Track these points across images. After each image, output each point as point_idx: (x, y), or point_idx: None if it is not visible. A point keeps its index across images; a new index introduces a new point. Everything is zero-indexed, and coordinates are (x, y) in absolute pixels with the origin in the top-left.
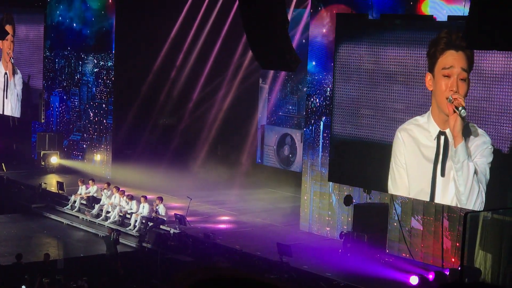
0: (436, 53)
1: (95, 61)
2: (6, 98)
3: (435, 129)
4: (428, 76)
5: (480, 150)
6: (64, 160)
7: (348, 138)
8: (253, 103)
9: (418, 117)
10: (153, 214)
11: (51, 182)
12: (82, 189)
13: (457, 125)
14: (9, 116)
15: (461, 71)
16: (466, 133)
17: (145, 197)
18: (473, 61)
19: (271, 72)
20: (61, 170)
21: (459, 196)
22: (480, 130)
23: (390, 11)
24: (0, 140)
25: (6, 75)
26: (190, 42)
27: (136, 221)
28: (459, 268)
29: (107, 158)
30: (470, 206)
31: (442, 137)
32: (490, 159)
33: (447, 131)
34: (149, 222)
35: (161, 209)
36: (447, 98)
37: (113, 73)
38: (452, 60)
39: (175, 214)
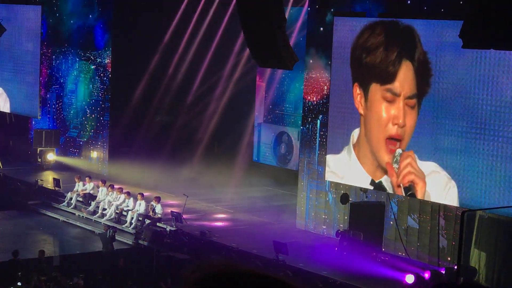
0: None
1: (92, 58)
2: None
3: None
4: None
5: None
6: (61, 157)
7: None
8: (250, 101)
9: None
10: (150, 213)
11: (48, 179)
12: (79, 186)
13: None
14: (5, 112)
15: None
16: None
17: (142, 195)
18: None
19: (268, 70)
20: (58, 167)
21: None
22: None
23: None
24: None
25: None
26: (188, 40)
27: (132, 218)
28: (456, 267)
29: (103, 155)
30: None
31: None
32: None
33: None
34: (145, 220)
35: (158, 209)
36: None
37: (110, 70)
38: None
39: (171, 211)
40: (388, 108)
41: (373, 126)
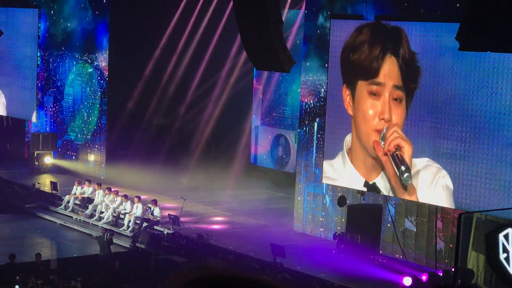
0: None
1: (89, 61)
2: None
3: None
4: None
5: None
6: (58, 160)
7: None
8: (247, 104)
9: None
10: (149, 216)
11: (45, 182)
12: (76, 189)
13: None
14: (2, 116)
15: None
16: None
17: (139, 198)
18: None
19: (265, 73)
20: (55, 170)
21: None
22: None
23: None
24: None
25: None
26: (185, 42)
27: (129, 221)
28: (453, 269)
29: (101, 158)
30: None
31: None
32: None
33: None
34: (143, 223)
35: (157, 212)
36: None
37: (107, 73)
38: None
39: (168, 214)
40: (374, 104)
41: (361, 122)
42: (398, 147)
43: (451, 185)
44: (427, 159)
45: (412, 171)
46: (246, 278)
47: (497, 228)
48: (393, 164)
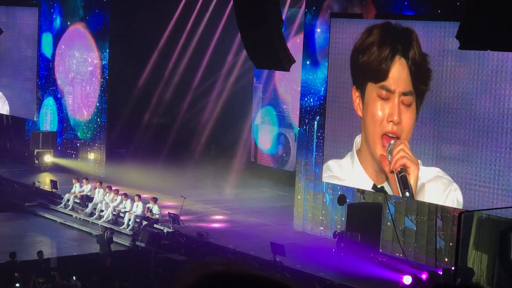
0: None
1: (89, 60)
2: None
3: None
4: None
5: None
6: (58, 158)
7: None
8: (247, 103)
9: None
10: (148, 214)
11: (45, 180)
12: (76, 187)
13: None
14: (2, 114)
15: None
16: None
17: (139, 196)
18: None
19: (265, 72)
20: (55, 168)
21: None
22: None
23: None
24: None
25: None
26: (185, 41)
27: (129, 220)
28: (453, 268)
29: (100, 157)
30: None
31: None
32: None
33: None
34: (142, 221)
35: (155, 209)
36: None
37: (107, 72)
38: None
39: (168, 213)
40: (383, 106)
41: (369, 124)
42: (404, 168)
43: (461, 199)
44: (437, 169)
45: (422, 181)
46: (253, 275)
47: (510, 227)
48: (397, 184)
